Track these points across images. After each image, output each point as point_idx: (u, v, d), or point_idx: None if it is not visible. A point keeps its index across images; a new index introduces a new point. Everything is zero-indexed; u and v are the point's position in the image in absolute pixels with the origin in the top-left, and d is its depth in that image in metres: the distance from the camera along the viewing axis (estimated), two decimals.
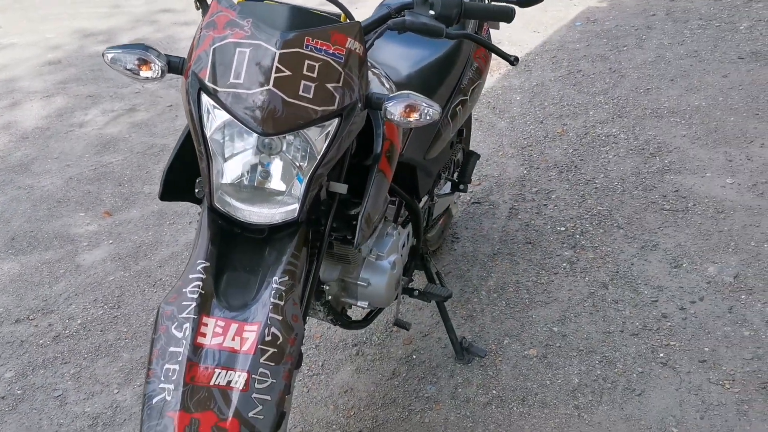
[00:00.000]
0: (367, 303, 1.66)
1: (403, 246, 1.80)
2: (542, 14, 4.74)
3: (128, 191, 3.31)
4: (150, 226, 3.00)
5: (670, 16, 4.61)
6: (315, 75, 1.13)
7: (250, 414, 1.01)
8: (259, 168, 1.16)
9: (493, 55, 1.66)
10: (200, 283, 1.11)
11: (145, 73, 1.21)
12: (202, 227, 1.21)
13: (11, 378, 2.24)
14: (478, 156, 2.23)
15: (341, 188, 1.32)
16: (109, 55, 1.21)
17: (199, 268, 1.13)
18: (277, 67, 1.11)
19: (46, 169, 3.62)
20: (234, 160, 1.17)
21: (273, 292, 1.12)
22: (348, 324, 1.77)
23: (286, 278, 1.15)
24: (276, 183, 1.17)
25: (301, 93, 1.12)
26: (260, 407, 1.02)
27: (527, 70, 4.06)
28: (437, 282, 2.07)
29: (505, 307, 2.29)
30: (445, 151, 2.03)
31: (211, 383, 1.02)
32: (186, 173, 1.45)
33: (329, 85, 1.14)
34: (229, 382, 1.03)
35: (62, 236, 2.99)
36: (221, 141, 1.16)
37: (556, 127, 3.37)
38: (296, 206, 1.19)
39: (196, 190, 1.34)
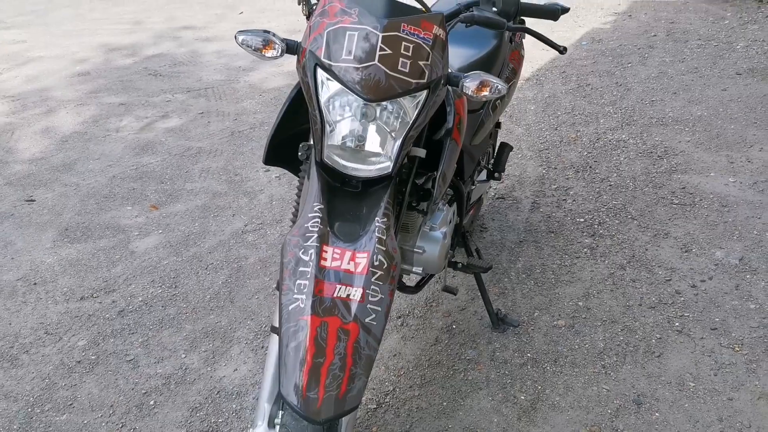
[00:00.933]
0: (421, 269, 1.90)
1: (450, 221, 2.04)
2: (549, 34, 5.04)
3: (171, 188, 3.54)
4: (196, 218, 3.23)
5: (671, 37, 4.93)
6: (410, 54, 1.38)
7: (367, 320, 1.25)
8: (360, 132, 1.41)
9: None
10: (318, 219, 1.35)
11: (268, 53, 1.47)
12: (312, 179, 1.45)
13: (84, 345, 2.45)
14: (511, 147, 2.48)
15: (421, 152, 1.57)
16: (240, 38, 1.47)
17: (315, 208, 1.37)
18: (380, 46, 1.37)
19: (89, 169, 3.85)
20: (341, 124, 1.41)
21: (377, 228, 1.36)
22: (403, 288, 2.01)
23: (385, 219, 1.39)
24: (373, 145, 1.42)
25: (399, 68, 1.37)
26: (374, 315, 1.26)
27: (539, 84, 4.35)
28: (476, 257, 2.31)
29: (534, 285, 2.53)
30: (486, 139, 2.29)
31: (335, 295, 1.26)
32: (285, 142, 1.71)
33: (420, 63, 1.39)
34: (348, 295, 1.27)
35: (113, 227, 3.22)
36: (332, 108, 1.41)
37: (569, 133, 3.64)
38: (389, 164, 1.43)
39: (299, 153, 1.58)
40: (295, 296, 1.25)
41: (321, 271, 1.28)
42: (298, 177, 1.64)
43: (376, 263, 1.31)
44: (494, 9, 1.64)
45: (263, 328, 2.46)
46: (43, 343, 2.48)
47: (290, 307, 1.25)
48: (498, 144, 2.51)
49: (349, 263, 1.31)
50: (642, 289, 2.44)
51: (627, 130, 3.59)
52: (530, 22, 1.92)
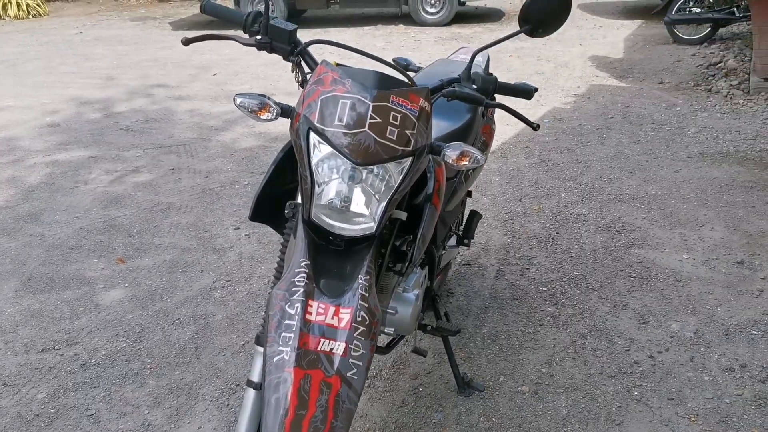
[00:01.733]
0: (393, 329, 1.95)
1: (422, 284, 2.11)
2: None
3: (139, 242, 3.54)
4: (163, 273, 3.23)
5: (626, 119, 5.21)
6: (397, 123, 1.48)
7: (348, 374, 1.29)
8: (347, 193, 1.48)
9: None
10: (304, 275, 1.40)
11: (263, 115, 1.56)
12: (298, 236, 1.51)
13: (43, 398, 2.40)
14: (480, 216, 2.58)
15: (402, 215, 1.65)
16: (238, 100, 1.55)
17: (302, 264, 1.43)
18: (371, 115, 1.46)
19: (55, 220, 3.83)
20: (329, 185, 1.49)
21: (360, 285, 1.42)
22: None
23: (368, 277, 1.45)
24: (358, 206, 1.49)
25: (387, 135, 1.46)
26: (355, 369, 1.30)
27: (504, 157, 4.53)
28: (445, 320, 2.36)
29: (499, 351, 2.59)
30: (458, 206, 2.38)
31: (318, 349, 1.30)
32: (270, 200, 1.77)
33: (407, 132, 1.48)
34: (332, 348, 1.31)
35: (78, 278, 3.19)
36: (321, 169, 1.48)
37: (532, 205, 3.78)
38: (373, 224, 1.50)
39: (286, 211, 1.64)
40: (280, 348, 1.29)
41: (306, 325, 1.33)
42: (283, 234, 1.69)
43: (359, 319, 1.36)
44: (474, 86, 1.76)
45: (229, 386, 2.45)
46: (0, 395, 2.42)
47: (275, 359, 1.28)
48: (468, 212, 2.61)
49: (333, 318, 1.36)
50: (602, 358, 2.52)
51: (587, 204, 3.75)
52: (504, 100, 2.04)
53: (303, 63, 1.77)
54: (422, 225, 1.66)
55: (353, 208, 1.49)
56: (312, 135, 1.48)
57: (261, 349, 1.60)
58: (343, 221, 1.50)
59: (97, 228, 3.71)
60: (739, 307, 2.78)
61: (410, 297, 1.95)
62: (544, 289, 2.98)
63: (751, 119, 5.01)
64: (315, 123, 1.47)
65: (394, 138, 1.46)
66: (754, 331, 2.63)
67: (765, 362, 2.46)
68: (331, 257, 1.52)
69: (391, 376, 2.48)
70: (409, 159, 1.50)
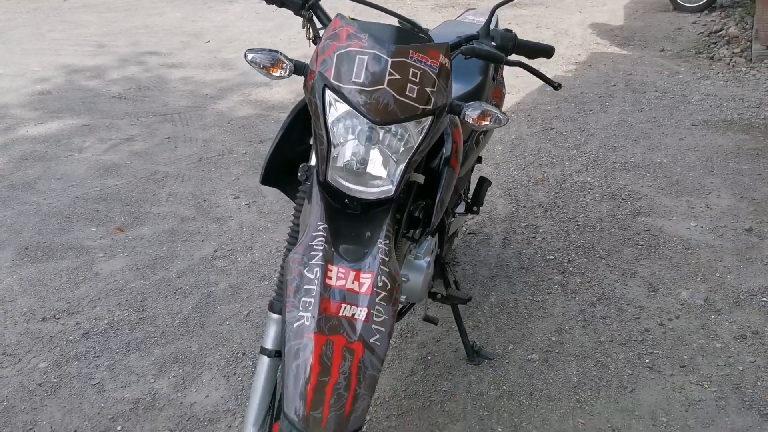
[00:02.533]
0: (404, 297, 1.90)
1: (432, 252, 2.06)
2: (514, 79, 5.18)
3: (137, 211, 3.47)
4: (163, 242, 3.17)
5: (629, 87, 5.14)
6: (417, 80, 1.41)
7: (371, 340, 1.25)
8: (364, 154, 1.42)
9: None
10: (323, 238, 1.35)
11: (276, 72, 1.49)
12: (314, 199, 1.45)
13: (46, 368, 2.36)
14: (490, 182, 2.53)
15: (420, 178, 1.59)
16: (249, 56, 1.49)
17: (320, 227, 1.37)
18: (389, 71, 1.40)
19: (50, 188, 3.75)
20: (346, 146, 1.42)
21: (380, 250, 1.37)
22: None
23: (387, 242, 1.40)
24: (376, 168, 1.43)
25: (407, 93, 1.40)
26: (378, 335, 1.25)
27: (506, 126, 4.46)
28: (455, 288, 2.32)
29: (507, 319, 2.56)
30: (468, 172, 2.33)
31: (340, 314, 1.26)
32: (281, 164, 1.71)
33: (427, 89, 1.42)
34: (353, 314, 1.26)
35: (76, 248, 3.13)
36: (338, 129, 1.42)
37: (536, 174, 3.73)
38: (391, 187, 1.45)
39: (299, 174, 1.58)
40: (300, 313, 1.25)
41: (326, 290, 1.28)
42: (296, 198, 1.63)
43: (380, 284, 1.31)
44: (493, 43, 1.69)
45: (236, 355, 2.41)
46: (1, 364, 2.37)
47: (295, 325, 1.23)
48: (477, 178, 2.56)
49: (353, 283, 1.31)
50: (612, 326, 2.49)
51: (592, 173, 3.71)
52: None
53: (315, 18, 1.69)
54: (441, 189, 1.61)
55: (371, 170, 1.43)
56: (328, 93, 1.41)
57: (275, 315, 1.56)
58: (361, 184, 1.45)
59: (93, 197, 3.63)
60: (748, 274, 2.76)
61: (422, 264, 1.90)
62: (551, 257, 2.94)
63: (755, 87, 4.96)
64: (331, 80, 1.41)
65: (414, 96, 1.40)
66: (764, 299, 2.61)
67: None
68: (348, 221, 1.47)
69: (399, 345, 2.44)
70: (429, 118, 1.44)
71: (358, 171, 1.43)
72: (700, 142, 4.05)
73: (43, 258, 3.05)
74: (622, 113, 4.60)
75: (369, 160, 1.43)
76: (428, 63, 1.44)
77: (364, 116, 1.38)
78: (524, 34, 6.83)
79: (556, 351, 2.38)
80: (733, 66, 5.43)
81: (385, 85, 1.38)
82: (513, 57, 1.76)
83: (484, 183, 2.52)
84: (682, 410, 2.11)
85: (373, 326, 1.26)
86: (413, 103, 1.40)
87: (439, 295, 2.20)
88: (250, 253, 3.07)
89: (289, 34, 7.03)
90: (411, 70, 1.41)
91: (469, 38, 1.70)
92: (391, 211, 1.48)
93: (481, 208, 2.53)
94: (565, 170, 3.76)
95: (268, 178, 1.70)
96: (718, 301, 2.60)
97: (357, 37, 1.44)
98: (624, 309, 2.59)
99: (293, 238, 1.60)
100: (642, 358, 2.33)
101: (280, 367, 1.58)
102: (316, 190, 1.47)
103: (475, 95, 2.24)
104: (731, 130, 4.21)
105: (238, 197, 3.61)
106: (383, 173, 1.44)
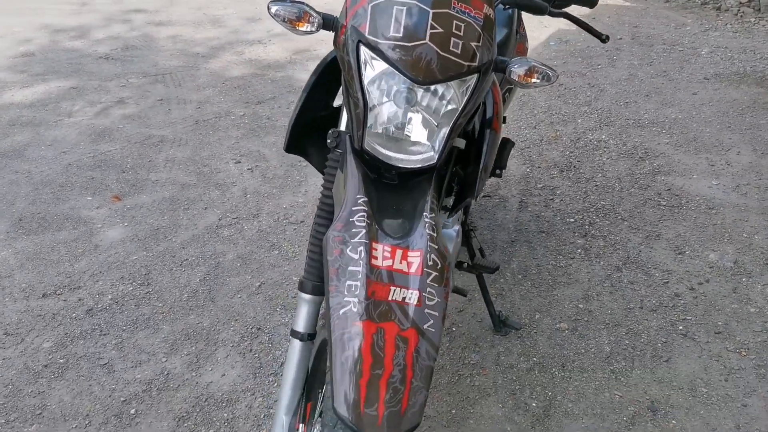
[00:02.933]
0: None
1: (458, 219, 1.94)
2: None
3: (134, 178, 3.31)
4: (164, 211, 3.02)
5: (636, 41, 4.98)
6: (461, 33, 1.27)
7: (425, 326, 1.13)
8: (404, 118, 1.28)
9: None
10: (364, 213, 1.21)
11: (302, 27, 1.34)
12: (349, 169, 1.31)
13: (50, 348, 2.23)
14: (513, 143, 2.39)
15: (461, 143, 1.46)
16: (273, 8, 1.33)
17: (360, 201, 1.24)
18: (431, 24, 1.25)
19: (41, 156, 3.57)
20: (384, 109, 1.28)
21: (427, 224, 1.24)
22: None
23: (433, 215, 1.27)
24: (418, 133, 1.29)
25: (451, 48, 1.25)
26: (431, 321, 1.14)
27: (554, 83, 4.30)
28: (480, 256, 2.21)
29: (531, 287, 2.46)
30: None
31: (389, 298, 1.13)
32: (305, 129, 1.57)
33: (472, 44, 1.28)
34: (404, 298, 1.14)
35: (73, 218, 2.98)
36: (374, 90, 1.28)
37: (549, 132, 3.60)
38: (434, 154, 1.31)
39: (329, 140, 1.44)
40: (346, 299, 1.12)
41: (372, 271, 1.15)
42: (325, 168, 1.49)
43: (430, 263, 1.18)
44: None
45: (250, 330, 2.30)
46: (3, 344, 2.25)
47: (341, 312, 1.11)
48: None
49: (401, 263, 1.18)
50: (641, 292, 2.40)
51: (606, 130, 3.58)
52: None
53: None
54: (484, 154, 1.48)
55: (412, 135, 1.29)
56: (363, 49, 1.27)
57: (306, 296, 1.44)
58: (400, 151, 1.31)
59: (87, 164, 3.46)
60: None
61: (451, 233, 1.78)
62: (572, 220, 2.83)
63: (765, 38, 4.82)
64: (366, 35, 1.26)
65: (458, 51, 1.25)
66: None
67: None
68: (386, 192, 1.33)
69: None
70: (475, 76, 1.30)
71: (396, 136, 1.30)
72: (714, 96, 3.92)
73: (39, 230, 2.90)
74: (631, 67, 4.46)
75: (408, 125, 1.29)
76: (472, 14, 1.29)
77: (405, 75, 1.24)
78: None
79: (585, 319, 2.29)
80: (741, 16, 5.27)
81: (427, 40, 1.24)
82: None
83: (507, 144, 2.38)
84: (721, 380, 2.03)
85: (426, 311, 1.14)
86: (458, 60, 1.26)
87: (465, 264, 2.08)
88: (256, 220, 2.94)
89: None
90: (454, 22, 1.27)
91: None
92: (434, 181, 1.35)
93: (504, 170, 2.40)
94: (578, 128, 3.62)
95: (292, 145, 1.56)
96: (747, 264, 2.51)
97: None
98: (651, 273, 2.49)
99: (324, 211, 1.46)
100: (675, 325, 2.25)
101: (313, 350, 1.47)
102: (350, 158, 1.33)
103: (501, 49, 2.09)
104: (745, 83, 4.08)
105: (240, 162, 3.45)
106: (424, 139, 1.30)
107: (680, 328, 2.23)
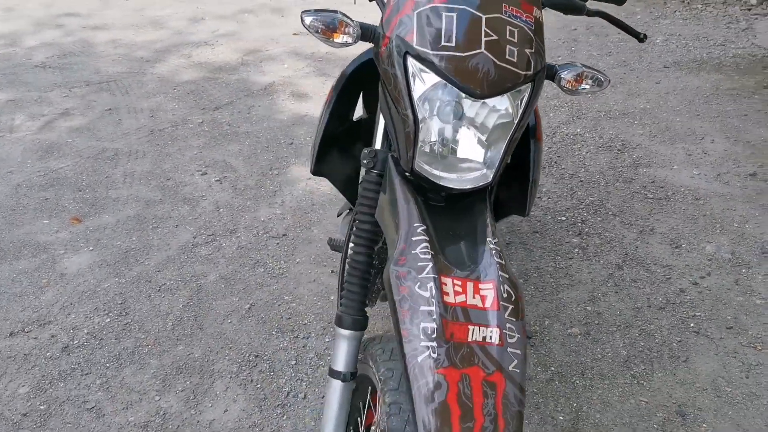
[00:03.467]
0: None
1: None
2: None
3: (92, 197, 3.08)
4: (132, 231, 2.81)
5: (590, 31, 4.99)
6: (516, 40, 1.16)
7: (510, 367, 1.01)
8: (457, 135, 1.17)
9: None
10: (427, 244, 1.09)
11: (338, 38, 1.20)
12: (398, 193, 1.19)
13: (27, 393, 2.02)
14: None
15: (507, 158, 1.35)
16: (307, 20, 1.19)
17: (419, 230, 1.11)
18: (485, 30, 1.13)
19: None
20: (432, 125, 1.16)
21: (494, 251, 1.12)
22: None
23: (497, 240, 1.16)
24: (472, 151, 1.18)
25: (507, 57, 1.14)
26: (515, 361, 1.02)
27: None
28: None
29: (535, 291, 2.38)
30: None
31: (469, 339, 1.01)
32: (330, 151, 1.43)
33: (527, 51, 1.17)
34: (485, 337, 1.02)
35: (31, 244, 2.73)
36: (425, 106, 1.15)
37: None
38: (488, 171, 1.20)
39: (364, 161, 1.31)
40: (423, 344, 0.99)
41: (447, 310, 1.03)
42: (357, 192, 1.35)
43: (505, 295, 1.07)
44: None
45: (247, 358, 2.14)
46: None
47: (419, 359, 0.99)
48: None
49: (474, 297, 1.06)
50: (646, 290, 2.36)
51: (579, 123, 3.54)
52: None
53: None
54: (533, 166, 1.38)
55: (466, 153, 1.18)
56: (410, 61, 1.14)
57: (345, 332, 1.30)
58: (452, 171, 1.19)
59: (37, 183, 3.20)
60: (766, 222, 2.67)
61: None
62: (563, 218, 2.77)
63: (715, 24, 4.90)
64: (414, 45, 1.13)
65: (515, 60, 1.15)
66: None
67: None
68: (439, 217, 1.21)
69: None
70: (529, 86, 1.19)
71: (445, 154, 1.18)
72: (677, 85, 3.94)
73: None
74: (591, 58, 4.45)
75: (458, 141, 1.18)
76: (523, 18, 1.19)
77: (461, 88, 1.12)
78: None
79: (596, 322, 2.23)
80: (688, 3, 5.36)
81: (482, 49, 1.12)
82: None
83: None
84: (742, 377, 2.00)
85: (509, 350, 1.03)
86: (515, 69, 1.15)
87: None
88: (234, 236, 2.76)
89: None
90: (508, 27, 1.15)
91: None
92: (490, 201, 1.24)
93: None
94: (552, 122, 3.58)
95: (319, 168, 1.42)
96: (744, 254, 2.51)
97: None
98: (652, 269, 2.45)
99: (362, 238, 1.32)
100: (686, 323, 2.21)
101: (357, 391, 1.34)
102: (398, 181, 1.21)
103: None
104: (704, 70, 4.13)
105: (206, 173, 3.26)
106: (476, 156, 1.19)
107: (692, 325, 2.20)
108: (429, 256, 1.07)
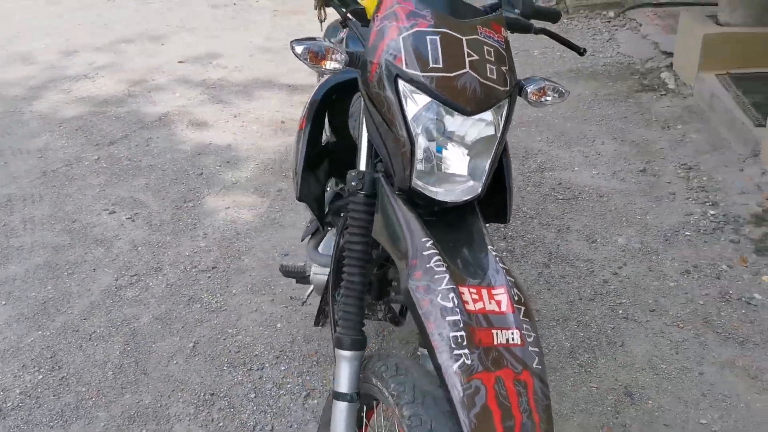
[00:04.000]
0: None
1: None
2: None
3: None
4: (45, 280, 2.64)
5: None
6: (493, 59, 1.24)
7: (534, 365, 1.07)
8: (449, 151, 1.23)
9: None
10: (439, 257, 1.13)
11: (328, 65, 1.24)
12: (398, 211, 1.22)
13: None
14: None
15: None
16: (299, 48, 1.22)
17: (427, 244, 1.15)
18: (467, 51, 1.21)
19: None
20: (424, 143, 1.22)
21: (497, 258, 1.19)
22: (399, 322, 1.85)
23: (495, 247, 1.22)
24: (461, 166, 1.24)
25: (488, 75, 1.22)
26: (537, 358, 1.09)
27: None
28: None
29: None
30: None
31: (495, 343, 1.06)
32: (306, 176, 1.45)
33: (503, 68, 1.25)
34: (507, 340, 1.08)
35: None
36: (418, 126, 1.21)
37: None
38: (477, 183, 1.26)
39: (353, 183, 1.34)
40: (456, 352, 1.04)
41: (471, 317, 1.08)
42: (341, 213, 1.38)
43: (516, 298, 1.14)
44: (516, 11, 1.55)
45: (203, 397, 2.07)
46: None
47: (455, 367, 1.03)
48: None
49: (491, 302, 1.12)
50: (574, 284, 2.52)
51: None
52: None
53: None
54: (507, 177, 1.47)
55: (457, 168, 1.24)
56: (401, 84, 1.19)
57: (345, 353, 1.32)
58: (446, 185, 1.25)
59: None
60: (663, 212, 2.94)
61: None
62: (487, 225, 2.90)
63: (582, 36, 5.31)
64: (404, 69, 1.19)
65: (495, 77, 1.23)
66: (687, 233, 2.79)
67: (710, 259, 2.62)
68: (436, 231, 1.26)
69: (381, 346, 2.26)
70: (507, 101, 1.28)
71: (438, 171, 1.24)
72: None
73: None
74: None
75: (449, 158, 1.24)
76: (495, 38, 1.27)
77: (452, 107, 1.19)
78: None
79: (537, 319, 2.35)
80: None
81: (467, 69, 1.20)
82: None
83: None
84: (672, 353, 2.19)
85: (530, 349, 1.09)
86: (496, 86, 1.23)
87: None
88: (161, 274, 2.66)
89: (86, 16, 6.20)
90: (485, 47, 1.24)
91: (493, 7, 1.53)
92: (478, 211, 1.31)
93: None
94: None
95: (303, 192, 1.43)
96: (651, 243, 2.74)
97: (419, 15, 1.23)
98: (576, 265, 2.63)
99: (355, 259, 1.35)
100: (615, 310, 2.39)
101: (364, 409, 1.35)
102: (395, 200, 1.25)
103: None
104: (582, 78, 4.47)
105: (114, 211, 3.11)
106: (468, 171, 1.25)
107: (620, 312, 2.38)
108: (444, 268, 1.12)
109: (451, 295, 1.09)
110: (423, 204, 1.27)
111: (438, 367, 1.04)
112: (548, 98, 1.38)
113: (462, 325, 1.06)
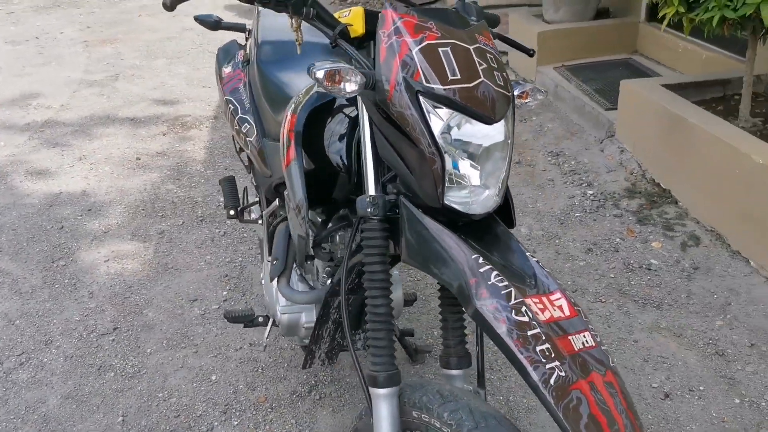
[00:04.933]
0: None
1: None
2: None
3: None
4: None
5: None
6: (496, 66, 1.22)
7: (611, 364, 1.07)
8: (476, 163, 1.19)
9: None
10: (498, 272, 1.09)
11: (345, 86, 1.14)
12: (433, 232, 1.16)
13: None
14: None
15: None
16: (319, 73, 1.11)
17: (480, 261, 1.10)
18: (477, 61, 1.18)
19: None
20: (456, 158, 1.18)
21: (539, 263, 1.18)
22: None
23: (530, 252, 1.20)
24: (484, 177, 1.21)
25: (498, 82, 1.20)
26: (610, 356, 1.08)
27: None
28: None
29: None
30: None
31: (575, 349, 1.04)
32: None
33: (504, 74, 1.24)
34: (584, 343, 1.06)
35: None
36: (446, 140, 1.16)
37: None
38: (494, 191, 1.24)
39: (367, 210, 1.25)
40: (549, 366, 1.00)
41: (549, 327, 1.05)
42: (362, 242, 1.29)
43: (572, 301, 1.13)
44: (473, 19, 1.54)
45: None
46: None
47: (552, 381, 0.99)
48: None
49: (555, 310, 1.10)
50: None
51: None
52: None
53: (317, 18, 1.31)
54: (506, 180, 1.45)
55: (480, 180, 1.20)
56: (422, 100, 1.14)
57: (383, 391, 1.25)
58: (473, 198, 1.21)
59: None
60: (549, 198, 3.12)
61: (396, 274, 1.75)
62: None
63: None
64: (424, 84, 1.13)
65: (502, 83, 1.22)
66: (577, 214, 2.98)
67: (603, 235, 2.82)
68: (476, 245, 1.22)
69: (335, 378, 2.16)
70: (511, 106, 1.27)
71: (466, 184, 1.20)
72: None
73: None
74: None
75: (475, 169, 1.20)
76: (490, 45, 1.26)
77: (477, 117, 1.16)
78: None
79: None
80: None
81: (482, 78, 1.17)
82: None
83: None
84: (605, 327, 2.32)
85: (602, 348, 1.09)
86: (505, 91, 1.21)
87: None
88: (53, 347, 2.33)
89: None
90: (488, 55, 1.22)
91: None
92: (498, 219, 1.28)
93: None
94: None
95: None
96: (549, 228, 2.89)
97: (424, 26, 1.18)
98: None
99: (378, 289, 1.26)
100: None
101: None
102: (427, 220, 1.19)
103: None
104: None
105: None
106: (489, 181, 1.22)
107: None
108: (507, 283, 1.08)
109: (524, 308, 1.06)
110: (446, 221, 1.22)
111: (534, 386, 1.00)
112: (531, 100, 1.39)
113: (545, 338, 1.03)
